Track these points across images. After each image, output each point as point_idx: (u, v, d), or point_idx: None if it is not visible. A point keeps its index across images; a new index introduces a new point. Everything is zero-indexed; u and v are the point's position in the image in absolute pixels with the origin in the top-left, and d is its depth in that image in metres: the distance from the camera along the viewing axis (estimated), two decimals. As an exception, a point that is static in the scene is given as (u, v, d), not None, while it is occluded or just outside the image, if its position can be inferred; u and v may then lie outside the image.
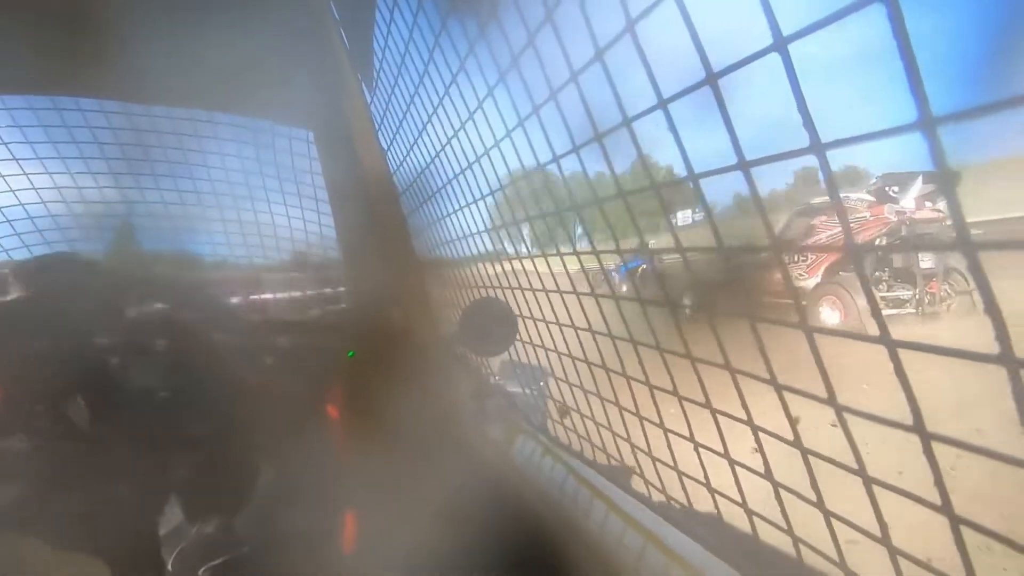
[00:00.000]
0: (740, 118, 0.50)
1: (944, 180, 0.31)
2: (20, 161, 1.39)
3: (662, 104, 0.49)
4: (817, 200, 5.77)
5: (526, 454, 1.15)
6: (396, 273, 1.35)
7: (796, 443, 0.49)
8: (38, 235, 1.38)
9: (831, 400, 0.43)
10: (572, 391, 1.03)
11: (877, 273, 5.29)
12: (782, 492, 0.55)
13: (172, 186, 1.41)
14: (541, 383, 1.32)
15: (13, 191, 1.37)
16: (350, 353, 1.32)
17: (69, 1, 1.14)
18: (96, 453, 0.92)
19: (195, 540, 0.97)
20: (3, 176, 1.37)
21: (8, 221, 1.40)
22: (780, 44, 0.36)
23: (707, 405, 0.61)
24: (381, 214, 1.39)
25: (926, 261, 5.18)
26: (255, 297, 1.39)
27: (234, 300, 1.27)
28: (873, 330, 0.38)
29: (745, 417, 0.55)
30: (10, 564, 0.86)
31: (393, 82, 1.33)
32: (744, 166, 0.43)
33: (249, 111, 1.46)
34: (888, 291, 5.31)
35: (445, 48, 1.03)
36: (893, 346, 0.38)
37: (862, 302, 4.54)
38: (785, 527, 0.54)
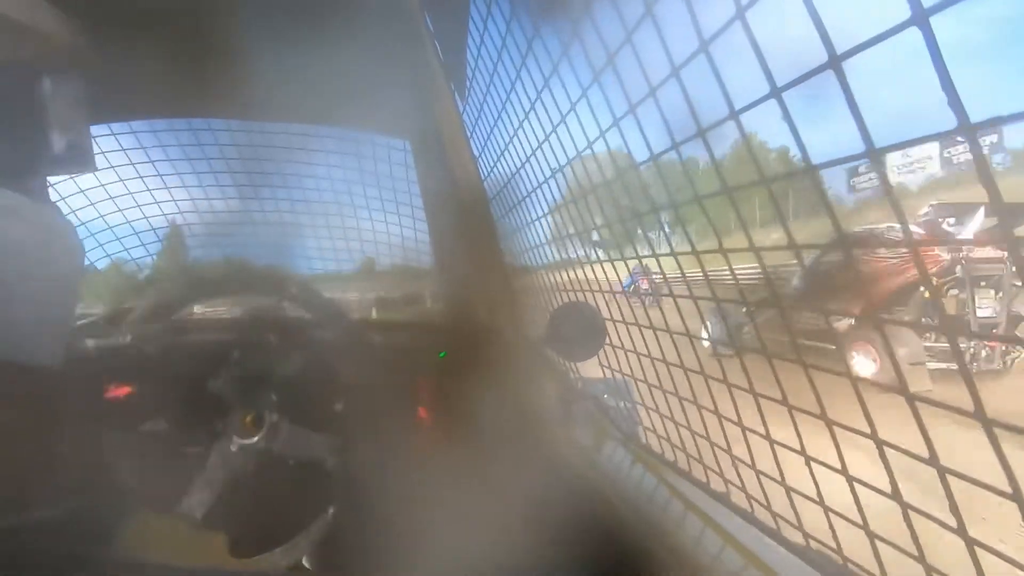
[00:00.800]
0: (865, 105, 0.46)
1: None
2: (145, 179, 1.56)
3: (776, 93, 0.46)
4: (859, 228, 4.76)
5: (615, 462, 1.13)
6: (486, 277, 1.37)
7: (932, 460, 0.44)
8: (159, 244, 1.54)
9: (978, 413, 0.39)
10: (666, 397, 1.00)
11: (925, 319, 4.28)
12: (912, 515, 0.50)
13: (285, 196, 1.53)
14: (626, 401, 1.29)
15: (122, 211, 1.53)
16: (441, 354, 1.35)
17: (181, 32, 1.24)
18: (216, 442, 1.00)
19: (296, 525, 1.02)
20: (132, 193, 1.54)
21: (136, 233, 1.57)
22: (920, 18, 0.33)
23: (822, 416, 0.57)
24: (472, 219, 1.42)
25: (984, 309, 4.32)
26: (354, 297, 1.46)
27: (337, 300, 1.34)
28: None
29: (868, 430, 0.50)
30: (155, 543, 0.96)
31: (485, 89, 1.36)
32: (873, 154, 0.39)
33: (350, 124, 1.55)
34: (935, 341, 4.29)
35: (538, 52, 1.04)
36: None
37: (904, 352, 3.87)
38: (916, 555, 0.49)
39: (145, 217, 1.57)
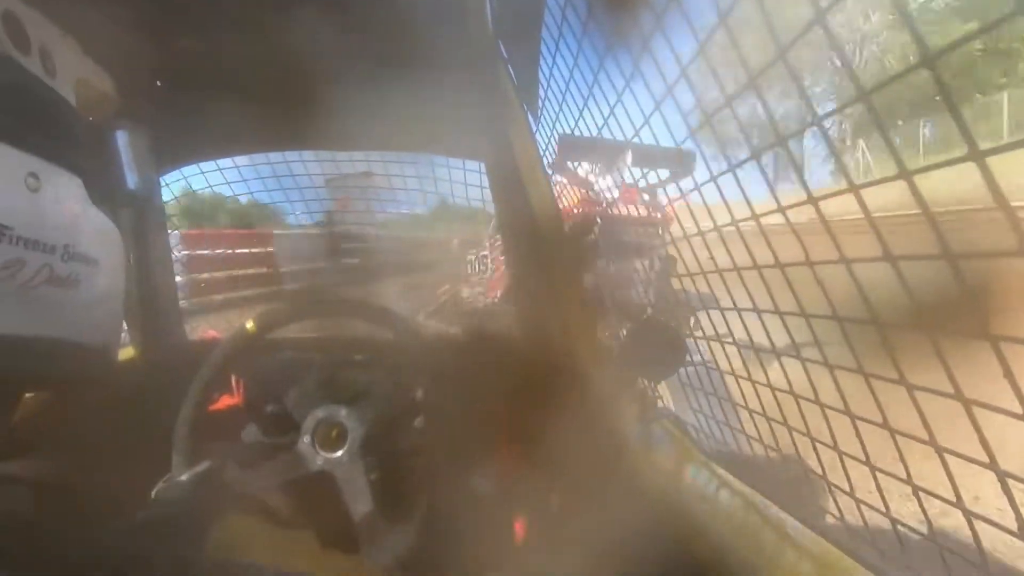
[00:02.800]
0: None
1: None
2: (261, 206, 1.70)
3: (862, 97, 0.44)
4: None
5: (698, 485, 1.08)
6: (563, 295, 1.38)
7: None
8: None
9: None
10: (752, 417, 0.95)
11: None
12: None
13: (370, 220, 1.62)
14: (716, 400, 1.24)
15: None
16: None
17: (277, 72, 1.36)
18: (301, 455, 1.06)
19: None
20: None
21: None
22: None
23: (931, 442, 0.52)
24: (547, 239, 1.43)
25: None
26: (435, 320, 1.51)
27: (420, 323, 1.40)
28: None
29: (987, 459, 0.46)
30: (245, 544, 1.03)
31: (558, 108, 1.38)
32: (979, 157, 0.36)
33: (429, 149, 1.62)
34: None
35: (610, 69, 1.05)
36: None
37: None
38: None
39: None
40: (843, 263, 0.58)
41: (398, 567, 0.99)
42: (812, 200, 0.57)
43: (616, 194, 1.58)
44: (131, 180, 1.45)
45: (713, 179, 0.80)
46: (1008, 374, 0.42)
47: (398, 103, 1.40)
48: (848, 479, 0.71)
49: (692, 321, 1.35)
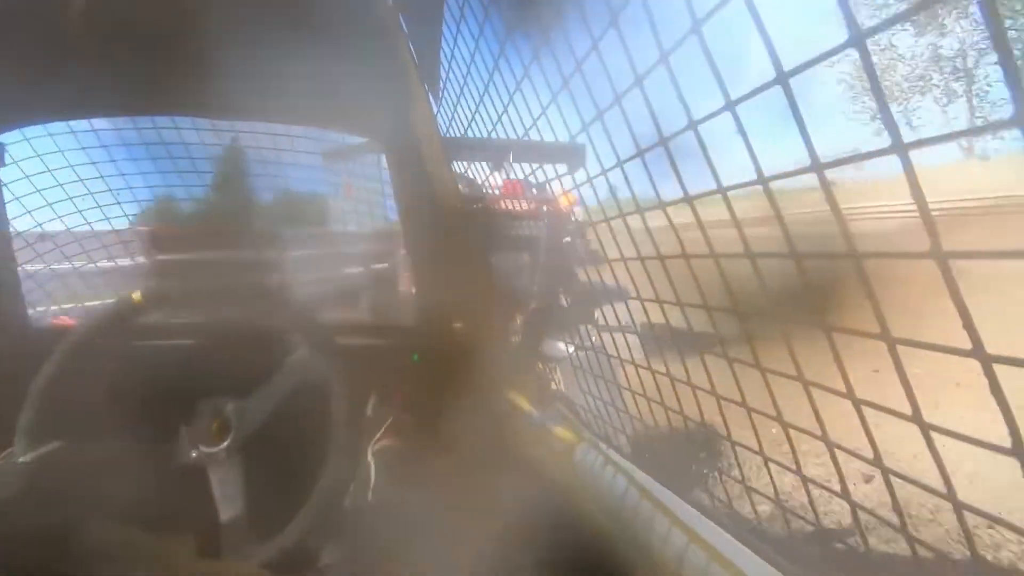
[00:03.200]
0: (816, 119, 0.47)
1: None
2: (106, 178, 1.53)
3: (730, 106, 0.48)
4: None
5: (587, 464, 1.14)
6: (461, 276, 1.38)
7: (876, 462, 0.46)
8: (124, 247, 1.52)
9: (915, 417, 0.40)
10: (635, 399, 1.01)
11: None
12: (860, 513, 0.51)
13: (252, 198, 1.51)
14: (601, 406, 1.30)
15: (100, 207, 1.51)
16: (414, 356, 1.35)
17: (155, 27, 1.23)
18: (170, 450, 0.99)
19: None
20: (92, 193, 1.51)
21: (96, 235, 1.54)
22: (857, 40, 0.34)
23: (778, 419, 0.58)
24: (447, 220, 1.42)
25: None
26: (328, 300, 1.46)
27: (310, 303, 1.33)
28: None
29: (820, 432, 0.52)
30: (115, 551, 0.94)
31: (459, 91, 1.36)
32: (819, 169, 0.41)
33: (323, 123, 1.54)
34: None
35: (511, 56, 1.05)
36: (988, 361, 0.35)
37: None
38: (863, 549, 0.51)
39: (107, 219, 1.54)
40: (713, 257, 0.63)
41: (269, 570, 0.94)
42: (688, 199, 0.61)
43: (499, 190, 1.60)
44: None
45: (620, 163, 0.83)
46: (838, 361, 0.47)
47: (290, 69, 1.31)
48: (739, 467, 0.78)
49: (596, 312, 1.40)
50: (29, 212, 1.45)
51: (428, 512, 1.19)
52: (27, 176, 1.42)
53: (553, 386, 1.36)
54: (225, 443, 0.93)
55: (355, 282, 1.53)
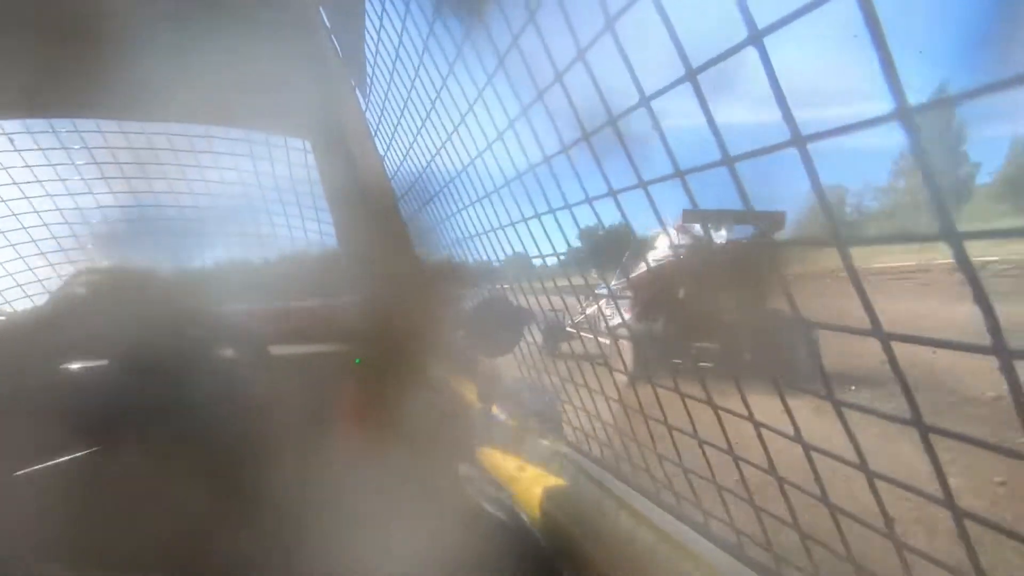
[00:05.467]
0: (727, 112, 0.48)
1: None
2: (21, 185, 1.41)
3: (644, 102, 0.48)
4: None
5: (536, 457, 1.15)
6: (399, 277, 1.35)
7: (796, 437, 0.48)
8: (42, 257, 1.41)
9: (829, 395, 0.43)
10: (578, 392, 1.03)
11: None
12: (788, 488, 0.54)
13: (172, 201, 1.43)
14: (549, 399, 1.32)
15: (15, 215, 1.40)
16: (356, 360, 1.32)
17: (62, 23, 1.15)
18: (104, 464, 0.93)
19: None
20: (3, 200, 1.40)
21: (11, 245, 1.43)
22: (756, 37, 0.35)
23: (708, 402, 0.61)
24: (381, 218, 1.39)
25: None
26: (260, 306, 1.39)
27: (238, 310, 1.28)
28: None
29: (747, 413, 0.54)
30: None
31: (387, 87, 1.32)
32: (728, 162, 0.42)
33: (244, 123, 1.47)
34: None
35: (434, 52, 1.03)
36: (887, 339, 0.37)
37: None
38: (791, 521, 0.54)
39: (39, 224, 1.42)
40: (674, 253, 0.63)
41: None
42: (643, 183, 0.60)
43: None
44: None
45: (546, 159, 0.82)
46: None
47: (208, 68, 1.24)
48: (652, 440, 0.80)
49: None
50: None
51: (372, 512, 1.17)
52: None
53: (501, 383, 1.36)
54: (164, 455, 0.89)
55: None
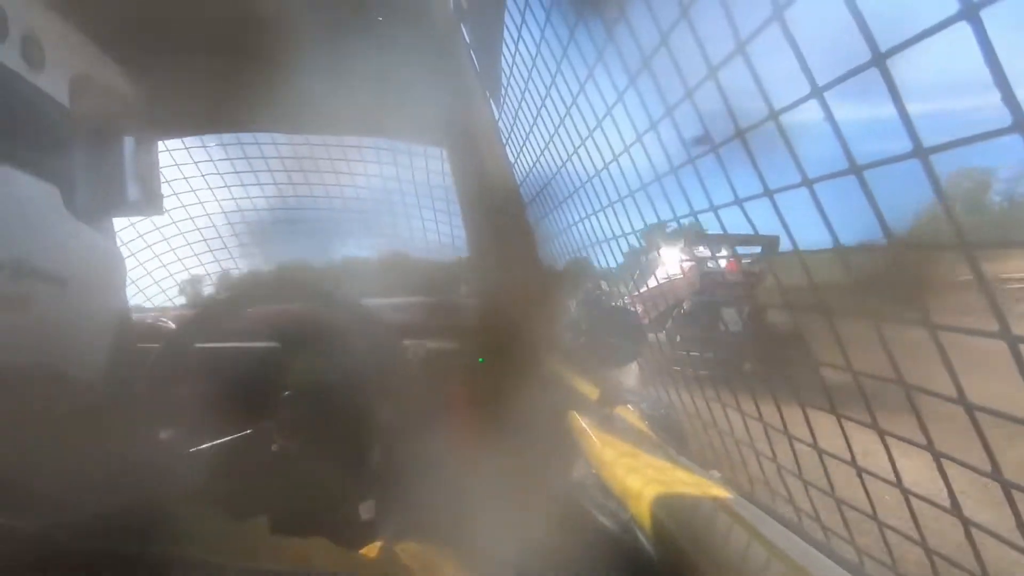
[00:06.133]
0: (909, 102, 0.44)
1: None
2: (197, 192, 1.64)
3: (816, 92, 0.45)
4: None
5: (653, 471, 1.11)
6: (525, 283, 1.38)
7: (995, 474, 0.42)
8: (210, 254, 1.62)
9: (961, 399, 0.37)
10: (695, 402, 0.98)
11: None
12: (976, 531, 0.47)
13: (325, 205, 1.57)
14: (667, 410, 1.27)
15: (192, 218, 1.61)
16: (480, 359, 1.36)
17: (228, 50, 1.30)
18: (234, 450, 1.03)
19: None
20: (188, 203, 1.62)
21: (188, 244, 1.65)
22: (971, 12, 0.31)
23: (873, 425, 0.55)
24: (509, 223, 1.42)
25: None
26: (391, 302, 1.49)
27: (377, 303, 1.37)
28: None
29: (924, 440, 0.48)
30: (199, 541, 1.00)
31: (520, 97, 1.37)
32: (922, 154, 0.38)
33: (388, 134, 1.58)
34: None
35: (572, 58, 1.04)
36: (1015, 341, 0.31)
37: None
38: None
39: (198, 228, 1.65)
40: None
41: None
42: (808, 182, 0.58)
43: None
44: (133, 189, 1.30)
45: (691, 160, 0.81)
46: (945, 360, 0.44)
47: (354, 83, 1.36)
48: (772, 452, 0.75)
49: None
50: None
51: (487, 514, 1.19)
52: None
53: (620, 389, 1.33)
54: (300, 437, 0.97)
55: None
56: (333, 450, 1.01)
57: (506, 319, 1.34)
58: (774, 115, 0.51)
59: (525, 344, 1.30)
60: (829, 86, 0.44)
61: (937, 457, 0.46)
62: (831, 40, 0.48)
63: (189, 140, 1.61)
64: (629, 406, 1.37)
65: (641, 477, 1.08)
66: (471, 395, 1.33)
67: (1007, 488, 0.41)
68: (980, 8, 0.32)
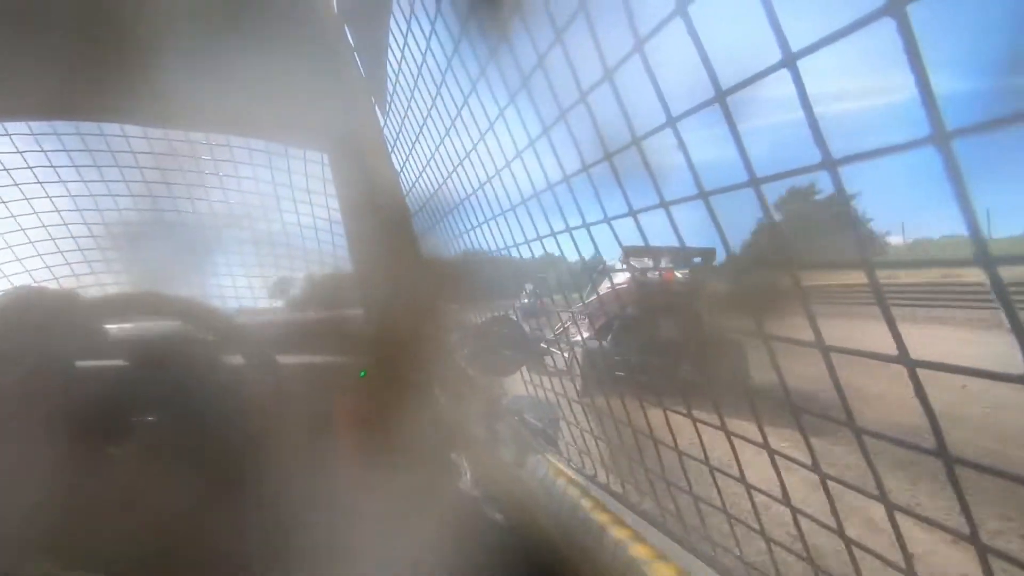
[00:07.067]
0: (754, 135, 0.49)
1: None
2: (44, 184, 1.44)
3: (671, 123, 0.49)
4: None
5: (538, 476, 1.14)
6: (409, 293, 1.36)
7: (815, 467, 0.48)
8: (60, 256, 1.42)
9: (849, 422, 0.42)
10: (586, 412, 1.02)
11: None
12: (800, 519, 0.53)
13: (190, 207, 1.44)
14: (552, 417, 1.31)
15: (36, 213, 1.41)
16: (362, 372, 1.32)
17: (91, 28, 1.18)
18: (105, 475, 0.93)
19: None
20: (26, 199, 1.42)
21: (31, 243, 1.44)
22: (789, 60, 0.36)
23: (722, 427, 0.60)
24: (393, 233, 1.40)
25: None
26: (267, 315, 1.40)
27: (249, 317, 1.28)
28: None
29: (761, 439, 0.54)
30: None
31: (407, 104, 1.35)
32: (755, 183, 0.42)
33: (265, 135, 1.49)
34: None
35: (457, 71, 1.05)
36: (913, 365, 0.36)
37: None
38: (805, 556, 0.52)
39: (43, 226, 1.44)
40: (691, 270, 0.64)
41: None
42: (664, 204, 0.61)
43: None
44: None
45: (566, 179, 0.83)
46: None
47: (232, 80, 1.27)
48: (661, 464, 0.79)
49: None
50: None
51: (372, 527, 1.16)
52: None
53: (504, 400, 1.35)
54: (165, 460, 0.88)
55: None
56: (192, 482, 0.92)
57: (389, 331, 1.31)
58: (636, 140, 0.55)
59: (408, 356, 1.28)
60: (680, 117, 0.47)
61: (771, 453, 0.51)
62: (690, 75, 0.51)
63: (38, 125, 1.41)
64: (516, 417, 1.40)
65: (522, 484, 1.11)
66: (353, 411, 1.29)
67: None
68: (798, 59, 0.35)
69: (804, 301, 0.40)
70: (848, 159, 0.34)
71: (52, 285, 1.47)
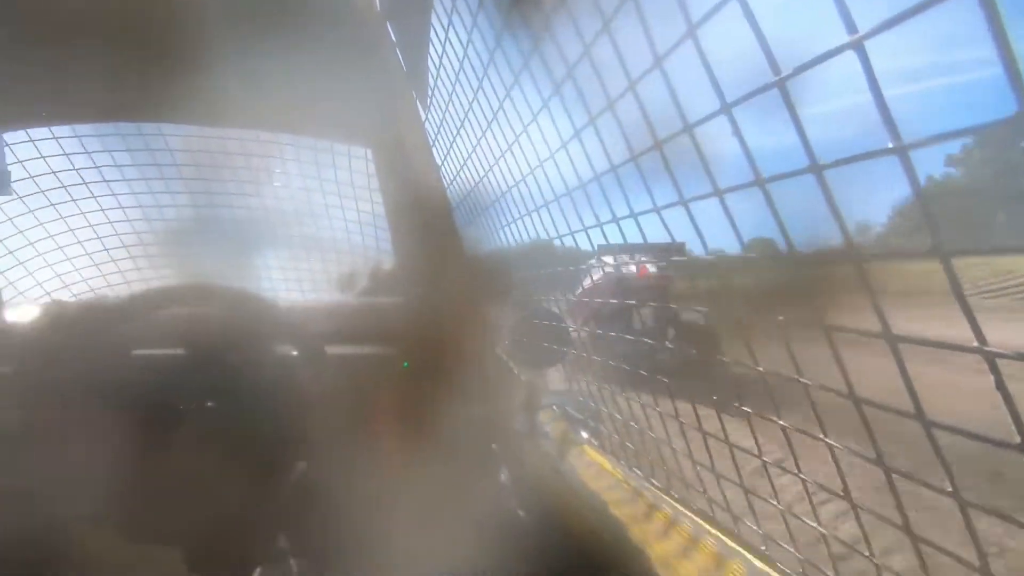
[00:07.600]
0: (812, 122, 0.48)
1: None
2: (90, 185, 1.51)
3: (726, 109, 0.48)
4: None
5: (581, 468, 1.14)
6: (450, 286, 1.37)
7: (879, 461, 0.46)
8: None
9: (919, 415, 0.40)
10: (629, 404, 1.01)
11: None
12: (862, 513, 0.51)
13: (240, 203, 1.49)
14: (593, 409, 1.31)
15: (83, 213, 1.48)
16: (404, 364, 1.34)
17: (138, 31, 1.22)
18: (153, 464, 0.96)
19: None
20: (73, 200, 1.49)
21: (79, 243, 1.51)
22: (856, 42, 0.34)
23: (777, 422, 0.59)
24: (435, 226, 1.41)
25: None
26: (316, 302, 1.44)
27: (291, 309, 1.31)
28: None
29: (821, 434, 0.52)
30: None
31: (448, 98, 1.36)
32: (816, 169, 0.41)
33: (311, 132, 1.53)
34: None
35: (499, 64, 1.05)
36: (992, 356, 0.35)
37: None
38: (867, 554, 0.51)
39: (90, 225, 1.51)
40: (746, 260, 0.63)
41: None
42: (719, 192, 0.60)
43: None
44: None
45: (614, 168, 0.83)
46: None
47: (275, 77, 1.30)
48: (710, 457, 0.78)
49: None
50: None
51: (415, 518, 1.18)
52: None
53: (546, 391, 1.35)
54: (214, 450, 0.92)
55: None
56: (247, 470, 0.96)
57: (432, 322, 1.33)
58: (688, 128, 0.54)
59: (452, 348, 1.29)
60: (737, 103, 0.46)
61: (832, 449, 0.50)
62: (741, 60, 0.51)
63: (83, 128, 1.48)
64: (554, 407, 1.40)
65: (564, 477, 1.11)
66: (395, 402, 1.31)
67: (888, 474, 0.44)
68: (865, 39, 0.34)
69: (870, 292, 0.39)
70: (923, 141, 0.33)
71: (107, 292, 1.54)
